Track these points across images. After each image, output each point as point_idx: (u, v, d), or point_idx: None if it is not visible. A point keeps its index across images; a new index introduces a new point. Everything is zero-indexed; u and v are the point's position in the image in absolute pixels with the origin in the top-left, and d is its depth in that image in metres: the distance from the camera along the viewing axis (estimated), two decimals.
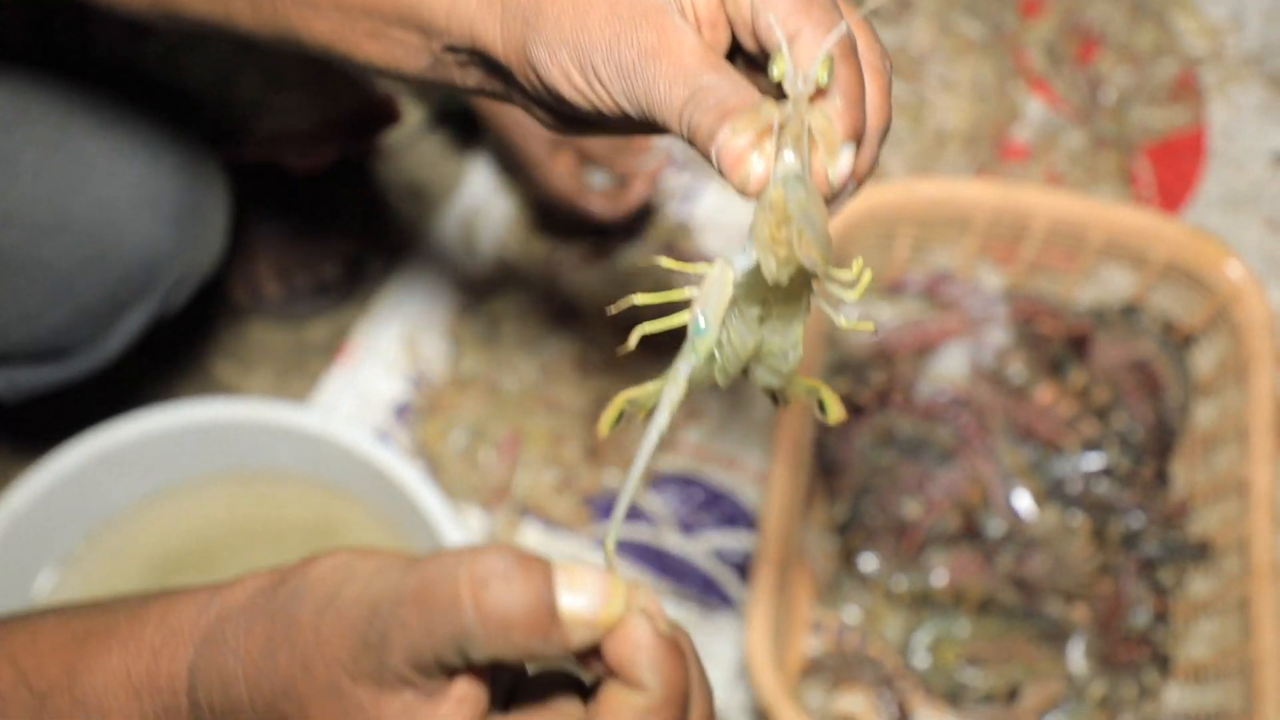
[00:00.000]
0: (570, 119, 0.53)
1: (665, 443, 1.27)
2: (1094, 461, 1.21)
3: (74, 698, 0.46)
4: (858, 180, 0.47)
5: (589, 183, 1.21)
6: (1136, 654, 1.17)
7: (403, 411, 1.29)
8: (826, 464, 1.24)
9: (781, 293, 0.48)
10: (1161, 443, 1.22)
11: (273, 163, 1.07)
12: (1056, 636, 1.18)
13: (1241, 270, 1.17)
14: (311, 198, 1.39)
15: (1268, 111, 1.43)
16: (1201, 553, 1.16)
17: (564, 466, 1.24)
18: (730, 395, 1.30)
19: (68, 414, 1.24)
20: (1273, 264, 1.36)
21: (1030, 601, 1.19)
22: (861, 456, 1.24)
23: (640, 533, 1.25)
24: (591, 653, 0.41)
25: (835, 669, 1.18)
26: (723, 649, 1.22)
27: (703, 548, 1.24)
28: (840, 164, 0.45)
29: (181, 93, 1.00)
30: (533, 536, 1.24)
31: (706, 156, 0.46)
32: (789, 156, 0.44)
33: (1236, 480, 1.14)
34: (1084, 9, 1.46)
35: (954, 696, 1.17)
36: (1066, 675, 1.17)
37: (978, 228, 1.23)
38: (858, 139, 0.46)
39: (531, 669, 0.47)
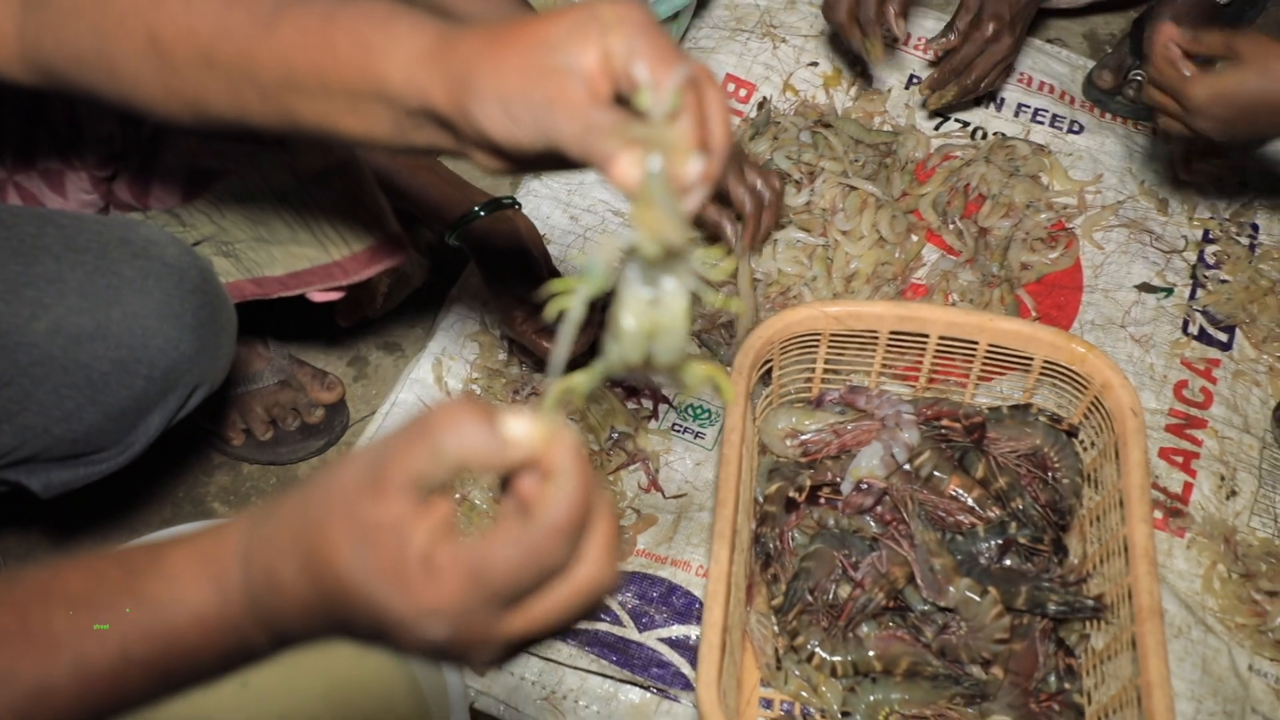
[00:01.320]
0: (502, 156, 0.71)
1: (622, 547, 1.42)
2: (998, 539, 1.37)
3: (156, 569, 0.61)
4: (709, 183, 0.63)
5: (547, 329, 1.40)
6: (1051, 707, 1.30)
7: None
8: (764, 555, 1.38)
9: (662, 269, 0.62)
10: (1057, 520, 1.38)
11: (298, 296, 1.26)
12: (979, 696, 1.31)
13: (1105, 363, 1.37)
14: (299, 350, 1.57)
15: (1128, 250, 1.66)
16: (1098, 610, 1.31)
17: None
18: (678, 501, 1.46)
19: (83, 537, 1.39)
20: (1143, 374, 1.56)
21: (953, 666, 1.32)
22: (796, 547, 1.39)
23: (602, 626, 1.38)
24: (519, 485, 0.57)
25: None
26: None
27: (659, 638, 1.37)
28: (691, 168, 0.61)
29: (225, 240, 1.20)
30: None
31: (601, 171, 0.63)
32: (655, 160, 0.61)
33: (1121, 541, 1.30)
34: (965, 172, 1.70)
35: None
36: None
37: (882, 340, 1.42)
38: (704, 150, 0.62)
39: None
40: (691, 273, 0.62)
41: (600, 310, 0.68)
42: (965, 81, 1.65)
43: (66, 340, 1.06)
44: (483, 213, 1.40)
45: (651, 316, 0.63)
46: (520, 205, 1.45)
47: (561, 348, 0.59)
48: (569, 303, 0.60)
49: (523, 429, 0.56)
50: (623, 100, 0.65)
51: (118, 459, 1.15)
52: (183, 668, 0.63)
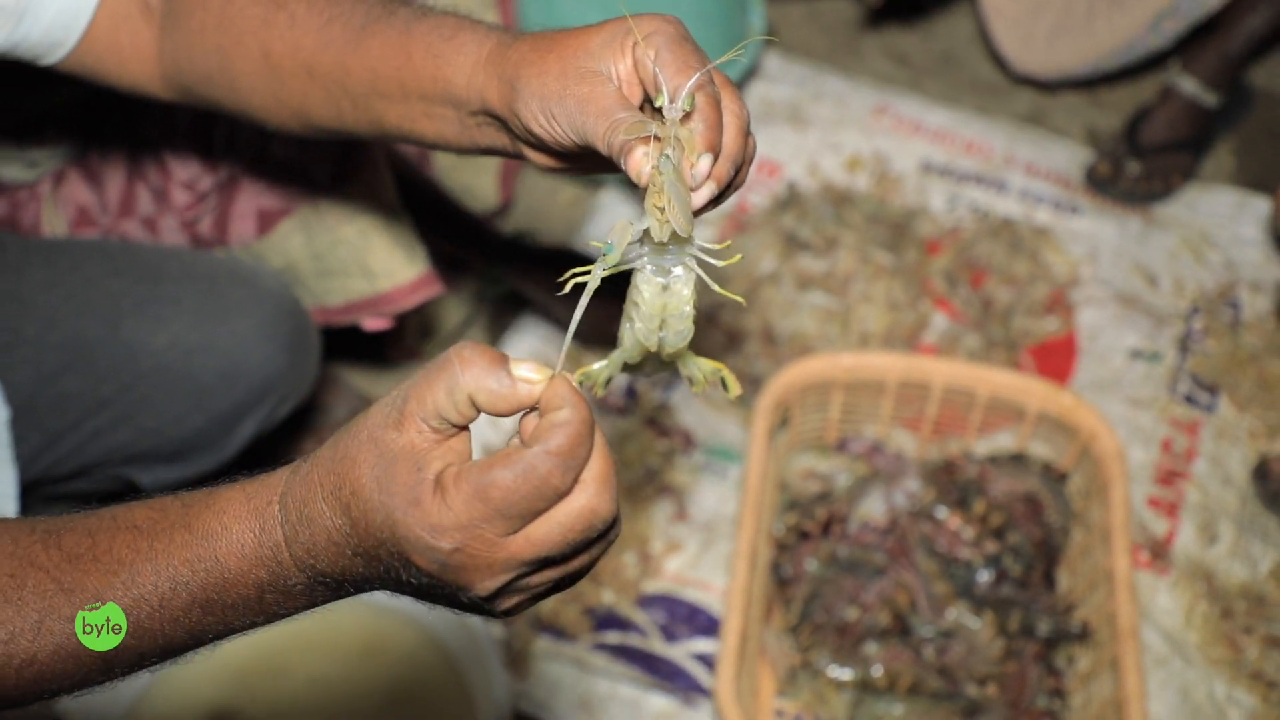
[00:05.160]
0: (549, 154, 0.79)
1: (652, 570, 1.56)
2: (994, 569, 1.50)
3: (208, 504, 0.68)
4: (717, 182, 0.69)
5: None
6: None
7: None
8: (782, 580, 1.53)
9: (670, 258, 0.70)
10: (1048, 555, 1.52)
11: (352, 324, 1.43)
12: (975, 713, 1.44)
13: (1091, 414, 1.52)
14: (359, 380, 1.74)
15: (1121, 320, 1.82)
16: (1083, 634, 1.44)
17: None
18: (703, 531, 1.60)
19: None
20: (1134, 432, 1.71)
21: (951, 684, 1.45)
22: (810, 573, 1.53)
23: (632, 640, 1.52)
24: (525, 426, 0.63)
25: None
26: None
27: (684, 652, 1.51)
28: (700, 166, 0.68)
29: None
30: (544, 645, 1.51)
31: (620, 163, 0.68)
32: (666, 156, 0.67)
33: (1104, 572, 1.43)
34: (973, 247, 1.87)
35: None
36: None
37: (890, 390, 1.58)
38: (714, 152, 0.69)
39: None
40: (696, 261, 0.71)
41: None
42: None
43: (181, 352, 1.24)
44: None
45: (662, 300, 0.71)
46: None
47: (578, 314, 0.66)
48: (590, 275, 0.67)
49: (530, 371, 0.62)
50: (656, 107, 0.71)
51: (215, 459, 1.32)
52: (224, 599, 0.67)
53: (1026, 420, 1.58)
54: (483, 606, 0.65)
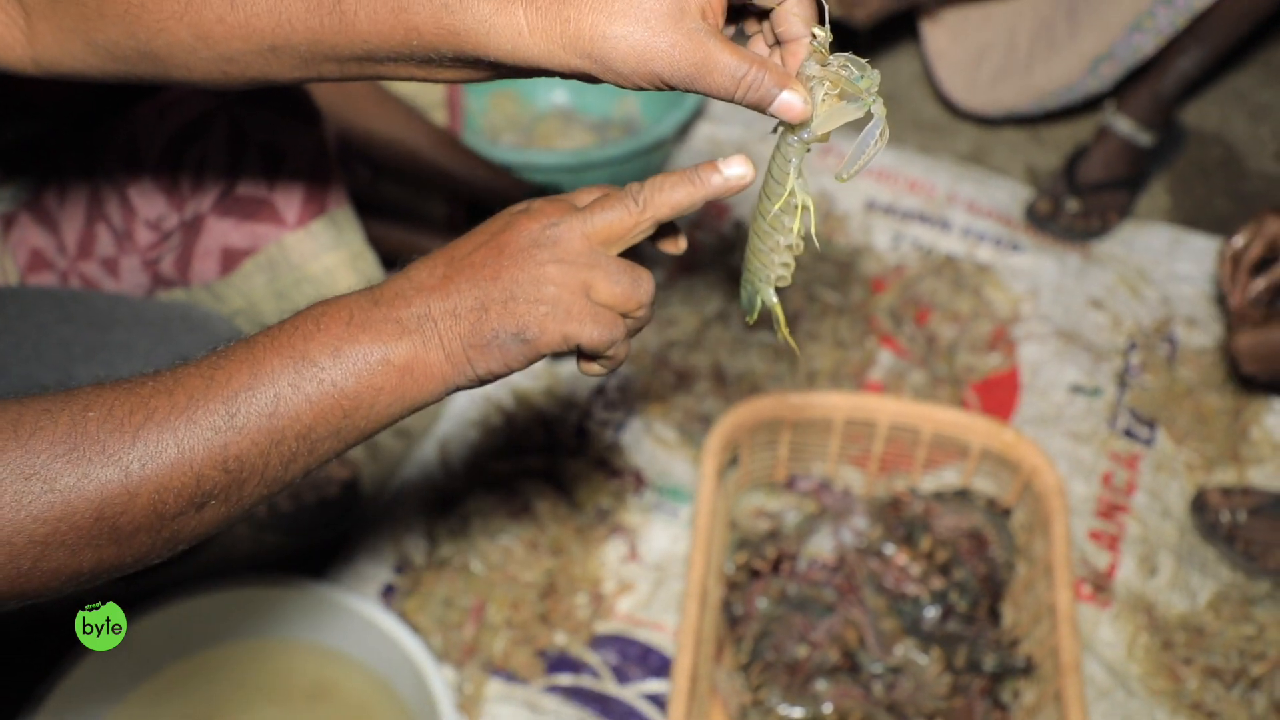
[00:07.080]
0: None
1: (604, 610, 1.57)
2: (940, 605, 1.53)
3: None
4: None
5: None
6: None
7: (388, 592, 1.59)
8: (732, 619, 1.54)
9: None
10: (992, 590, 1.55)
11: None
12: None
13: (1032, 450, 1.55)
14: None
15: (1062, 355, 1.86)
16: (1028, 669, 1.47)
17: (520, 627, 1.54)
18: (655, 571, 1.62)
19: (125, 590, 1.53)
20: (1076, 466, 1.74)
21: None
22: (760, 611, 1.55)
23: (585, 681, 1.53)
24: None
25: None
26: None
27: (635, 692, 1.52)
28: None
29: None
30: (495, 688, 1.51)
31: (762, 112, 0.74)
32: (853, 73, 0.74)
33: (1047, 606, 1.46)
34: (917, 285, 1.91)
35: None
36: None
37: (837, 428, 1.60)
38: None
39: None
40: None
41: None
42: None
43: None
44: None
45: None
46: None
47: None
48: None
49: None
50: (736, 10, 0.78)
51: None
52: (308, 350, 0.79)
53: (970, 456, 1.61)
54: (557, 311, 0.77)
